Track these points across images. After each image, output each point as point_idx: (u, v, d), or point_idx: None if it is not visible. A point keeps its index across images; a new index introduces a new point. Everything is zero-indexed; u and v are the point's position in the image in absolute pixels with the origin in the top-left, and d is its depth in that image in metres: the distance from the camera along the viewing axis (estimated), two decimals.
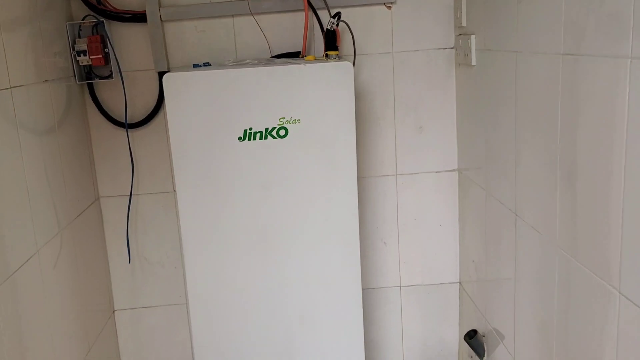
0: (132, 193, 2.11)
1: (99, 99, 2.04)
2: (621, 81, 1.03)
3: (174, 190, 2.12)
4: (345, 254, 1.86)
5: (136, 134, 2.08)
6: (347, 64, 1.72)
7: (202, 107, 1.74)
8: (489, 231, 1.84)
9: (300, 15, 1.97)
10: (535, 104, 1.41)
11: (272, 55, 2.02)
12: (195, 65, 1.84)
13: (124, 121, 2.04)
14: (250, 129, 1.76)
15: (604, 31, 1.08)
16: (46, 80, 1.74)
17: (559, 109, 1.28)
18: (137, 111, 2.07)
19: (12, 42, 1.53)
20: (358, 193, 1.82)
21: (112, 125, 2.06)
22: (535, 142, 1.43)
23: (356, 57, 2.00)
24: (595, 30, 1.12)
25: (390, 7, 2.01)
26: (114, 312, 2.22)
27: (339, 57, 1.80)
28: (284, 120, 1.76)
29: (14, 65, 1.53)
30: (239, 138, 1.76)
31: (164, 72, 1.99)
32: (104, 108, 2.04)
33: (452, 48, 2.04)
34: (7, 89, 1.49)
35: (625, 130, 1.03)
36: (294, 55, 2.00)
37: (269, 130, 1.76)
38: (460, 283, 2.23)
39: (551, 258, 1.37)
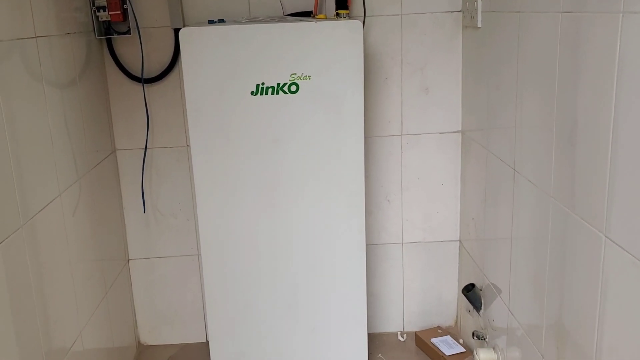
0: (147, 147, 2.19)
1: (117, 54, 2.12)
2: (614, 35, 1.10)
3: (187, 145, 2.21)
4: (351, 210, 1.95)
5: (152, 89, 2.16)
6: (356, 23, 1.78)
7: (217, 61, 1.81)
8: (489, 188, 1.92)
9: None
10: (536, 62, 1.48)
11: (285, 14, 2.08)
12: (211, 22, 1.91)
13: (140, 76, 2.11)
14: (263, 83, 1.83)
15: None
16: (68, 33, 1.81)
17: (557, 65, 1.35)
18: (153, 67, 2.14)
19: None
20: (365, 151, 1.90)
21: (129, 80, 2.14)
22: (535, 99, 1.50)
23: (366, 18, 2.06)
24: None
25: None
26: (128, 260, 2.32)
27: (349, 17, 1.86)
28: (295, 76, 1.83)
29: (39, 16, 1.61)
30: (252, 92, 1.84)
31: (180, 29, 2.07)
32: (122, 63, 2.12)
33: (459, 11, 2.09)
34: (33, 38, 1.56)
35: (615, 83, 1.10)
36: (305, 14, 2.06)
37: (281, 85, 1.83)
38: (460, 241, 2.32)
39: (545, 208, 1.45)
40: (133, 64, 2.13)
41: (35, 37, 1.58)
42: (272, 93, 1.84)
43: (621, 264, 1.11)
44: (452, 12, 2.09)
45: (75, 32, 1.87)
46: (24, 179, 1.45)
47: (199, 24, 2.01)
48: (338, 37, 1.80)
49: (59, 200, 1.66)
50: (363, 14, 2.02)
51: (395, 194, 2.27)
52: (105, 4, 2.00)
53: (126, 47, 2.12)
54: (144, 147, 2.19)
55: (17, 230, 1.39)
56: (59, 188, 1.68)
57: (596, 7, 1.16)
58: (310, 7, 2.07)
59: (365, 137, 2.09)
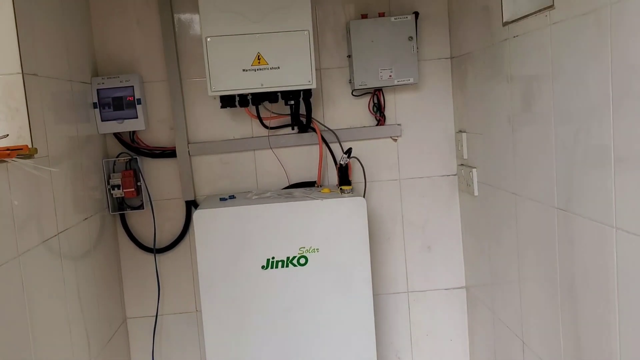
0: (158, 314, 2.22)
1: (129, 226, 2.20)
2: (609, 246, 1.18)
3: (197, 310, 2.24)
4: None
5: (163, 257, 2.22)
6: (360, 200, 1.89)
7: (229, 238, 1.89)
8: (498, 353, 1.94)
9: (314, 148, 2.17)
10: (535, 243, 1.56)
11: (290, 183, 2.20)
12: (222, 199, 2.01)
13: (152, 246, 2.18)
14: (273, 258, 1.90)
15: (592, 197, 1.25)
16: (85, 219, 1.90)
17: (556, 253, 1.43)
18: (164, 236, 2.22)
19: (57, 183, 1.69)
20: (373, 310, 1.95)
21: (141, 250, 2.20)
22: (537, 275, 1.57)
23: (367, 184, 2.17)
24: (584, 194, 1.28)
25: (396, 139, 2.21)
26: None
27: (352, 190, 1.97)
28: (304, 250, 1.91)
29: (61, 214, 1.69)
30: (262, 267, 1.90)
31: (191, 201, 2.18)
32: (134, 235, 2.20)
33: (454, 175, 2.22)
34: (55, 236, 1.64)
35: (617, 289, 1.17)
36: (310, 185, 2.17)
37: (290, 259, 1.91)
38: None
39: None
40: (145, 234, 2.21)
41: (57, 234, 1.66)
42: (282, 266, 1.90)
43: None
44: (447, 175, 2.22)
45: (91, 215, 1.96)
46: None
47: (210, 198, 2.11)
48: (343, 213, 1.90)
49: None
50: (364, 182, 2.14)
51: (406, 351, 2.28)
52: (119, 182, 2.10)
53: (138, 219, 2.20)
54: (155, 314, 2.22)
55: None
56: None
57: (589, 214, 1.26)
58: (313, 176, 2.19)
59: (372, 295, 2.13)
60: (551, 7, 1.35)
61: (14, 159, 1.34)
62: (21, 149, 1.39)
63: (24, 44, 1.54)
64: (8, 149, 1.36)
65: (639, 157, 1.07)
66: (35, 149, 1.51)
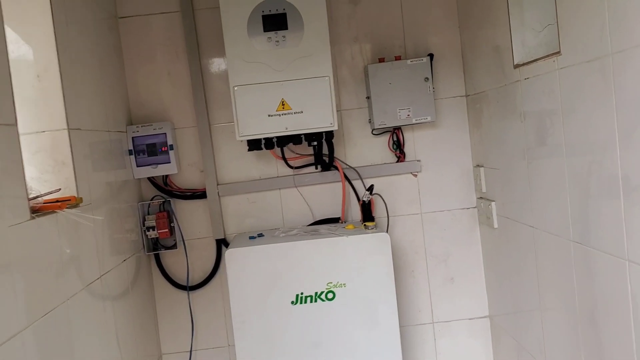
0: (192, 349, 2.30)
1: (163, 265, 2.30)
2: (623, 278, 1.25)
3: (229, 345, 2.32)
4: None
5: (195, 294, 2.32)
6: (384, 235, 1.97)
7: (259, 276, 1.98)
8: None
9: (337, 185, 2.26)
10: (555, 274, 1.62)
11: (314, 220, 2.29)
12: (251, 238, 2.10)
13: (185, 284, 2.28)
14: (302, 293, 1.99)
15: (605, 229, 1.32)
16: (124, 260, 2.01)
17: (575, 283, 1.49)
18: (196, 274, 2.32)
19: (98, 228, 1.80)
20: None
21: (174, 288, 2.30)
22: (558, 305, 1.62)
23: (389, 218, 2.26)
24: (598, 226, 1.35)
25: (416, 175, 2.30)
26: None
27: (376, 226, 2.05)
28: (331, 285, 1.99)
29: (102, 254, 1.80)
30: (292, 302, 1.99)
31: (221, 239, 2.28)
32: (167, 273, 2.30)
33: (474, 207, 2.29)
34: (97, 279, 1.75)
35: (632, 319, 1.23)
36: (334, 221, 2.26)
37: (319, 294, 1.99)
38: None
39: None
40: (178, 272, 2.31)
41: (100, 277, 1.76)
42: (311, 301, 1.98)
43: None
44: (467, 208, 2.30)
45: (129, 257, 2.07)
46: None
47: (239, 236, 2.21)
48: (368, 248, 1.98)
49: None
50: (386, 217, 2.22)
51: None
52: (154, 224, 2.21)
53: (172, 258, 2.31)
54: (189, 350, 2.30)
55: None
56: None
57: (604, 247, 1.33)
58: (337, 212, 2.28)
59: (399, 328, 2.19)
60: (558, 53, 1.44)
61: (63, 210, 1.45)
62: (69, 199, 1.50)
63: (68, 102, 1.67)
64: (58, 201, 1.47)
65: None
66: (81, 198, 1.63)
